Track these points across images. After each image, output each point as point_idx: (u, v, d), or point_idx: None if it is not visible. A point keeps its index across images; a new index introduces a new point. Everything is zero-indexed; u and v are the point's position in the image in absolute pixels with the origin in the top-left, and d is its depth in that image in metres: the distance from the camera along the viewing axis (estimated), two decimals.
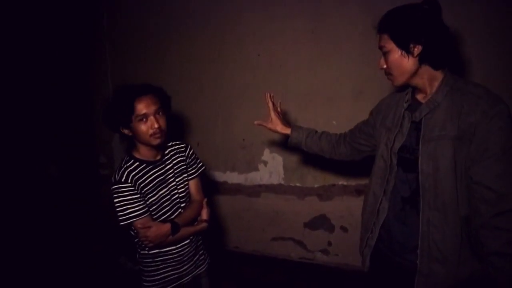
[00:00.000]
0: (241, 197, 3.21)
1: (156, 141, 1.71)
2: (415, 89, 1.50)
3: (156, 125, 1.68)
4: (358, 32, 2.55)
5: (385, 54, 1.42)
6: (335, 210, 2.91)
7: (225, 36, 2.99)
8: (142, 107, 1.66)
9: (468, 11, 2.34)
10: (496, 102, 1.30)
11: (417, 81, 1.43)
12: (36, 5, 3.09)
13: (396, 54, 1.38)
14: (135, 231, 1.73)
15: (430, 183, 1.37)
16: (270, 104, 1.99)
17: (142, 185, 1.73)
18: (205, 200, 1.96)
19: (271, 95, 2.00)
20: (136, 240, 1.80)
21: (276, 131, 2.02)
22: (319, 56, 2.75)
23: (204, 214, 1.93)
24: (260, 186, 3.11)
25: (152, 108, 1.68)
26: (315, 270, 3.01)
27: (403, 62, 1.39)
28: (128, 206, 1.68)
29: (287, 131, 1.98)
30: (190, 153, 1.97)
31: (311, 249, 3.07)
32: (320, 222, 2.98)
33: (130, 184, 1.69)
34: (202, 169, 2.00)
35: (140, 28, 3.25)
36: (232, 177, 3.21)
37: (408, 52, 1.36)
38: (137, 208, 1.69)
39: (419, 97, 1.48)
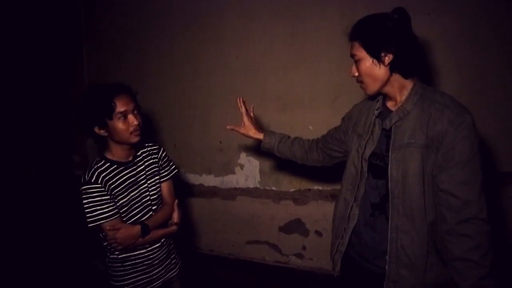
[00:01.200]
0: (217, 200, 3.18)
1: (135, 139, 1.70)
2: (386, 97, 1.51)
3: (136, 122, 1.67)
4: (336, 38, 2.55)
5: (357, 62, 1.43)
6: (310, 215, 2.92)
7: (203, 38, 2.97)
8: (121, 105, 1.64)
9: (443, 19, 2.39)
10: (461, 111, 1.32)
11: (388, 89, 1.44)
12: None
13: (367, 62, 1.40)
14: (104, 233, 1.69)
15: (399, 190, 1.38)
16: (243, 109, 1.97)
17: (112, 186, 1.70)
18: (176, 201, 1.93)
19: (243, 99, 1.97)
20: (105, 244, 1.76)
21: (249, 136, 2.00)
22: (296, 60, 2.75)
23: (175, 217, 1.90)
24: (236, 189, 3.10)
25: (131, 106, 1.68)
26: (289, 273, 3.01)
27: (374, 70, 1.40)
28: (97, 207, 1.65)
29: (260, 136, 1.97)
30: (163, 155, 1.95)
31: (285, 253, 3.06)
32: (295, 226, 2.99)
33: (99, 185, 1.66)
34: (174, 171, 1.98)
35: (118, 27, 3.20)
36: (208, 180, 3.18)
37: (379, 60, 1.37)
38: (106, 210, 1.66)
39: (389, 104, 1.49)
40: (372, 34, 1.37)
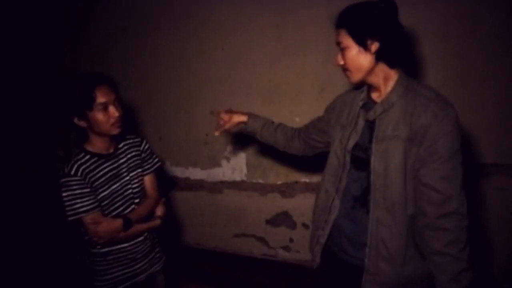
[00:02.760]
0: (203, 193, 3.16)
1: (116, 130, 1.67)
2: (370, 88, 1.50)
3: (117, 113, 1.64)
4: (323, 29, 2.53)
5: (343, 50, 1.41)
6: (297, 207, 2.91)
7: (189, 29, 2.92)
8: (102, 96, 1.61)
9: (428, 10, 2.38)
10: (445, 105, 1.32)
11: (373, 79, 1.43)
12: None
13: (353, 50, 1.38)
14: (85, 227, 1.66)
15: (381, 182, 1.37)
16: (222, 116, 1.97)
17: (93, 179, 1.67)
18: (163, 200, 1.93)
19: (214, 112, 2.00)
20: (86, 238, 1.73)
21: (235, 123, 1.96)
22: (283, 51, 2.73)
23: (159, 211, 1.89)
24: (222, 182, 3.08)
25: (112, 97, 1.64)
26: (276, 266, 3.01)
27: (360, 58, 1.38)
28: (77, 200, 1.62)
29: (243, 118, 1.96)
30: (146, 147, 1.92)
31: (273, 246, 3.06)
32: (282, 219, 2.98)
33: (79, 178, 1.63)
34: (157, 164, 1.95)
35: (101, 19, 3.14)
36: (194, 173, 3.15)
37: (366, 48, 1.36)
38: (86, 203, 1.63)
39: (374, 96, 1.48)
40: (358, 21, 1.36)
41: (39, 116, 3.29)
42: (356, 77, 1.43)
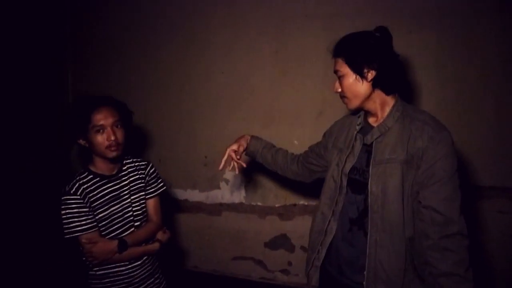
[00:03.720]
0: (202, 215, 3.15)
1: (111, 154, 1.68)
2: (367, 113, 1.53)
3: (112, 137, 1.65)
4: (321, 54, 2.56)
5: (340, 78, 1.46)
6: (296, 230, 2.90)
7: (189, 53, 2.97)
8: (99, 118, 1.64)
9: (424, 36, 2.45)
10: (441, 128, 1.36)
11: (370, 105, 1.47)
12: None
13: (350, 78, 1.43)
14: (80, 247, 1.67)
15: (379, 205, 1.39)
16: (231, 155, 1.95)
17: (92, 199, 1.69)
18: (164, 228, 1.93)
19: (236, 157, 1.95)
20: (84, 259, 1.72)
21: (242, 150, 1.97)
22: (282, 75, 2.78)
23: (159, 235, 1.88)
24: (221, 204, 3.07)
25: (110, 120, 1.66)
26: None
27: (357, 86, 1.43)
28: (74, 219, 1.63)
29: (247, 138, 2.01)
30: (151, 171, 1.92)
31: (271, 269, 3.03)
32: (280, 242, 2.97)
33: (78, 197, 1.65)
34: (162, 189, 1.95)
35: (104, 38, 3.19)
36: (193, 195, 3.15)
37: (362, 76, 1.41)
38: (83, 222, 1.64)
39: (371, 120, 1.52)
40: (355, 50, 1.41)
41: (39, 116, 3.27)
42: (354, 103, 1.47)
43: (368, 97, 1.44)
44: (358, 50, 1.40)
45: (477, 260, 2.46)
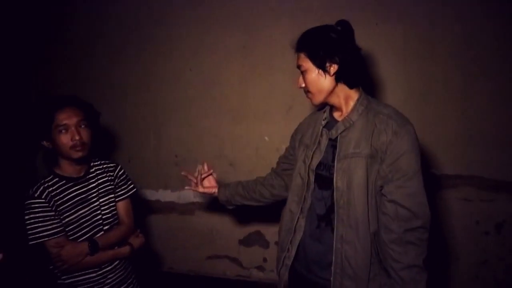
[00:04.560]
0: (174, 215, 3.10)
1: (76, 154, 1.62)
2: (333, 108, 1.53)
3: (77, 137, 1.59)
4: (289, 49, 2.53)
5: (303, 73, 1.45)
6: (270, 226, 2.89)
7: (157, 50, 2.92)
8: (63, 118, 1.58)
9: (390, 28, 2.47)
10: (404, 122, 1.37)
11: (334, 99, 1.46)
12: None
13: (313, 73, 1.42)
14: (48, 252, 1.60)
15: (344, 200, 1.39)
16: (191, 178, 1.98)
17: (58, 203, 1.62)
18: (138, 231, 1.88)
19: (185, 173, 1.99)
20: (51, 268, 1.65)
21: (203, 193, 1.99)
22: (250, 71, 2.76)
23: (131, 239, 1.82)
24: (193, 203, 3.04)
25: (74, 120, 1.60)
26: (251, 287, 2.97)
27: (320, 80, 1.42)
28: (39, 224, 1.57)
29: (214, 190, 1.94)
30: (120, 173, 1.87)
31: (246, 266, 3.02)
32: (254, 239, 2.96)
33: (43, 201, 1.59)
34: (132, 191, 1.90)
35: (69, 39, 3.09)
36: (165, 195, 3.10)
37: (325, 71, 1.40)
38: (49, 227, 1.58)
39: (336, 115, 1.51)
40: (317, 45, 1.40)
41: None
42: (318, 98, 1.46)
43: (332, 91, 1.44)
44: (319, 45, 1.39)
45: (444, 246, 2.54)
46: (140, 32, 2.93)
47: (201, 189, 1.95)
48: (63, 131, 1.59)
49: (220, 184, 1.97)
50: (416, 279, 1.30)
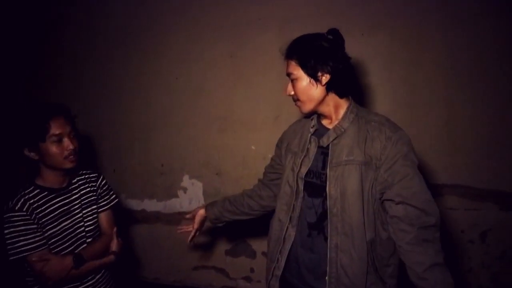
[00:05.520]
0: (160, 225, 3.06)
1: (70, 165, 1.59)
2: (320, 115, 1.51)
3: (71, 146, 1.56)
4: (275, 58, 2.53)
5: (293, 81, 1.43)
6: (256, 236, 2.87)
7: (144, 59, 2.90)
8: (57, 127, 1.54)
9: (376, 39, 2.49)
10: (397, 128, 1.38)
11: (324, 108, 1.45)
12: None
13: (304, 81, 1.40)
14: (29, 267, 1.54)
15: (338, 208, 1.37)
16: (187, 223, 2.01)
17: (40, 215, 1.57)
18: (115, 229, 1.81)
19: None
20: (30, 280, 1.60)
21: (200, 222, 1.99)
22: (237, 80, 2.75)
23: (114, 245, 1.77)
24: (180, 213, 2.99)
25: (67, 129, 1.57)
26: None
27: (311, 90, 1.40)
28: (20, 238, 1.50)
29: (202, 212, 1.95)
30: (102, 183, 1.83)
31: (233, 277, 2.99)
32: (241, 249, 2.93)
33: (24, 213, 1.52)
34: (114, 201, 1.87)
35: (54, 46, 3.05)
36: (150, 205, 3.06)
37: (317, 80, 1.38)
38: (31, 241, 1.52)
39: (325, 122, 1.50)
40: (308, 53, 1.38)
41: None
42: (308, 107, 1.44)
43: (322, 100, 1.42)
44: (311, 53, 1.37)
45: None
46: (127, 39, 2.91)
47: (196, 227, 1.98)
48: (57, 141, 1.55)
49: (206, 204, 1.97)
50: (444, 281, 1.26)
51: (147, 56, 2.89)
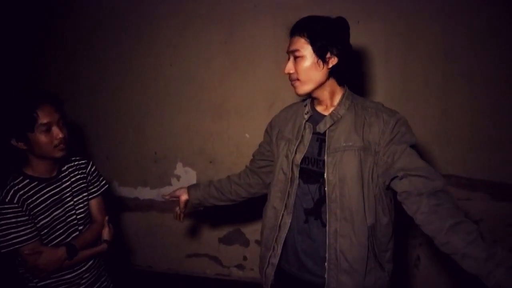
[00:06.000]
0: (153, 213, 3.05)
1: (60, 153, 1.55)
2: (314, 101, 1.50)
3: (61, 135, 1.52)
4: (270, 45, 2.56)
5: (297, 58, 1.38)
6: (250, 224, 2.88)
7: (137, 46, 2.86)
8: (45, 115, 1.49)
9: (371, 27, 2.47)
10: (393, 112, 1.40)
11: (320, 93, 1.43)
12: None
13: (309, 61, 1.36)
14: (21, 259, 1.52)
15: (337, 194, 1.37)
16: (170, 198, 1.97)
17: (31, 206, 1.53)
18: (106, 218, 1.80)
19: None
20: (21, 271, 1.58)
21: (184, 203, 1.92)
22: (232, 67, 2.72)
23: (105, 234, 1.76)
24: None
25: (56, 117, 1.53)
26: (231, 286, 2.95)
27: (315, 70, 1.37)
28: (11, 230, 1.47)
29: (184, 192, 1.90)
30: (92, 169, 1.80)
31: (226, 265, 2.99)
32: (235, 237, 2.93)
33: (16, 205, 1.49)
34: (104, 187, 1.85)
35: (48, 33, 2.99)
36: (143, 193, 3.04)
37: (324, 61, 1.36)
38: (22, 233, 1.49)
39: (320, 108, 1.48)
40: (321, 32, 1.34)
41: None
42: (305, 88, 1.41)
43: (322, 84, 1.40)
44: (324, 33, 1.34)
45: (419, 245, 2.56)
46: (119, 26, 2.86)
47: (183, 209, 1.92)
48: (45, 129, 1.50)
49: (188, 186, 1.91)
50: (466, 237, 1.17)
51: (140, 42, 2.85)
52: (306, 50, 1.36)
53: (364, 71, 2.50)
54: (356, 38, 2.40)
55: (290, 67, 1.40)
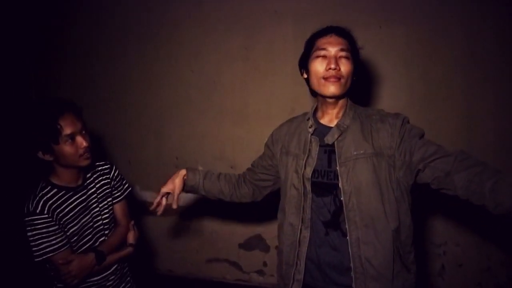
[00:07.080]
0: (174, 218, 3.08)
1: (86, 162, 1.57)
2: (316, 114, 1.52)
3: (85, 144, 1.53)
4: (290, 51, 2.55)
5: (343, 58, 1.39)
6: (270, 230, 2.86)
7: (158, 52, 2.90)
8: (68, 126, 1.49)
9: (392, 31, 2.44)
10: (396, 114, 1.42)
11: (342, 100, 1.47)
12: None
13: (352, 65, 1.41)
14: (53, 266, 1.55)
15: (353, 202, 1.36)
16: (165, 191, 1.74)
17: (61, 215, 1.55)
18: (132, 222, 1.82)
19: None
20: (52, 274, 1.61)
21: (180, 184, 1.74)
22: (252, 73, 2.73)
23: (131, 238, 1.78)
24: (194, 206, 3.00)
25: (78, 126, 1.53)
26: None
27: (352, 76, 1.44)
28: (44, 240, 1.50)
29: (183, 172, 1.75)
30: (116, 174, 1.81)
31: (246, 270, 2.99)
32: (255, 243, 2.93)
33: (46, 215, 1.51)
34: (128, 190, 1.87)
35: (69, 41, 3.08)
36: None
37: (355, 69, 1.43)
38: (54, 242, 1.52)
39: (324, 121, 1.50)
40: (356, 45, 1.46)
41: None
42: (345, 88, 1.42)
43: (348, 91, 1.46)
44: (356, 45, 1.45)
45: (447, 252, 2.51)
46: (141, 33, 2.91)
47: (177, 192, 1.73)
48: (70, 140, 1.51)
49: (186, 168, 1.78)
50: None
51: (161, 49, 2.89)
52: (350, 54, 1.40)
53: (384, 75, 2.47)
54: (378, 42, 2.41)
55: (341, 63, 1.38)
